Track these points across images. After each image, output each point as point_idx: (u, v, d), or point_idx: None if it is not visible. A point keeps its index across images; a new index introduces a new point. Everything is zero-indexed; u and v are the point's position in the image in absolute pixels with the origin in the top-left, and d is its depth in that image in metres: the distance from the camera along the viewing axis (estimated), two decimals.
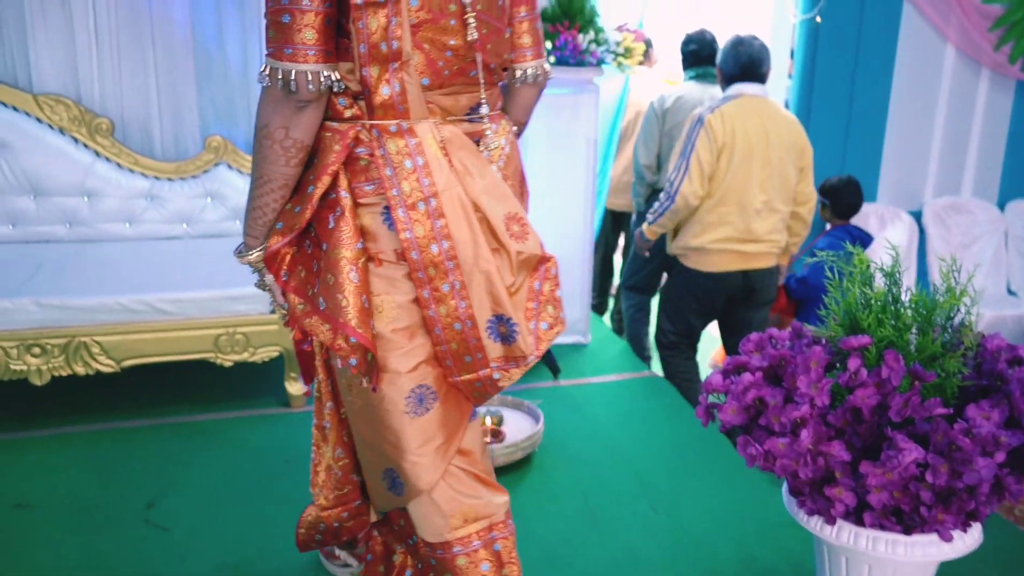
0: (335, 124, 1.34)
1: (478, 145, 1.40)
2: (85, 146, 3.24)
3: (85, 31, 3.30)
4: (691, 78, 3.40)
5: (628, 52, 3.16)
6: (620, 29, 3.18)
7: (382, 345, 1.37)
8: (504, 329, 1.38)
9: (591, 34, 3.08)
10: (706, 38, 3.37)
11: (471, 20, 1.32)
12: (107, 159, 3.27)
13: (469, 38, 1.33)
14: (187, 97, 3.50)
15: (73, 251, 3.10)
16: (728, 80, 2.83)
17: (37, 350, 2.62)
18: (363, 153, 1.33)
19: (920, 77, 4.21)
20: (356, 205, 1.35)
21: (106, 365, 2.68)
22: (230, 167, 3.39)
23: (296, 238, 1.38)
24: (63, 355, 2.64)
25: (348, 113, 1.34)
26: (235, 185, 3.38)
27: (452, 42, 1.32)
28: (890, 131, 4.27)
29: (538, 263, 1.43)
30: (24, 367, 2.61)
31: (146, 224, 3.30)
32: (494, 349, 1.39)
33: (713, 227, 2.79)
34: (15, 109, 3.18)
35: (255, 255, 1.40)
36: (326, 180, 1.33)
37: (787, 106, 4.25)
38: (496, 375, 1.41)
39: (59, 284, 2.71)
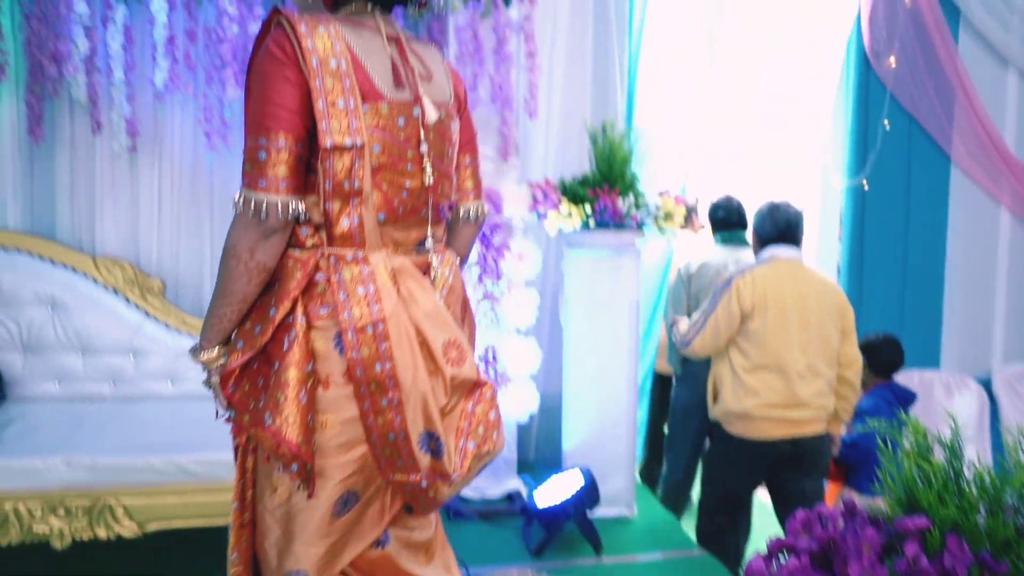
0: (297, 252, 1.47)
1: (424, 275, 1.54)
2: (136, 306, 3.32)
3: (149, 198, 3.47)
4: (719, 243, 3.44)
5: (669, 216, 3.16)
6: (662, 194, 3.21)
7: (322, 455, 1.46)
8: (434, 445, 1.50)
9: (631, 198, 3.10)
10: (733, 204, 3.43)
11: (427, 166, 1.52)
12: (156, 319, 3.33)
13: (426, 182, 1.52)
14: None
15: (114, 410, 3.10)
16: (763, 243, 2.82)
17: (62, 511, 2.56)
18: (321, 279, 1.45)
19: (975, 238, 4.12)
20: (310, 328, 1.45)
21: (129, 528, 2.60)
22: None
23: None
24: (87, 517, 2.57)
25: (309, 242, 1.47)
26: None
27: (408, 183, 1.51)
28: (949, 294, 4.13)
29: (473, 387, 1.57)
30: (47, 529, 2.55)
31: (188, 383, 3.31)
32: (423, 460, 1.49)
33: (755, 392, 2.69)
34: (74, 270, 3.30)
35: (206, 355, 1.51)
36: (287, 305, 1.44)
37: (838, 271, 4.17)
38: (424, 483, 1.50)
39: (93, 443, 2.69)
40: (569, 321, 3.31)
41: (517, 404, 3.33)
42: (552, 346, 3.63)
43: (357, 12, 1.51)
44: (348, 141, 1.40)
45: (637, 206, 3.11)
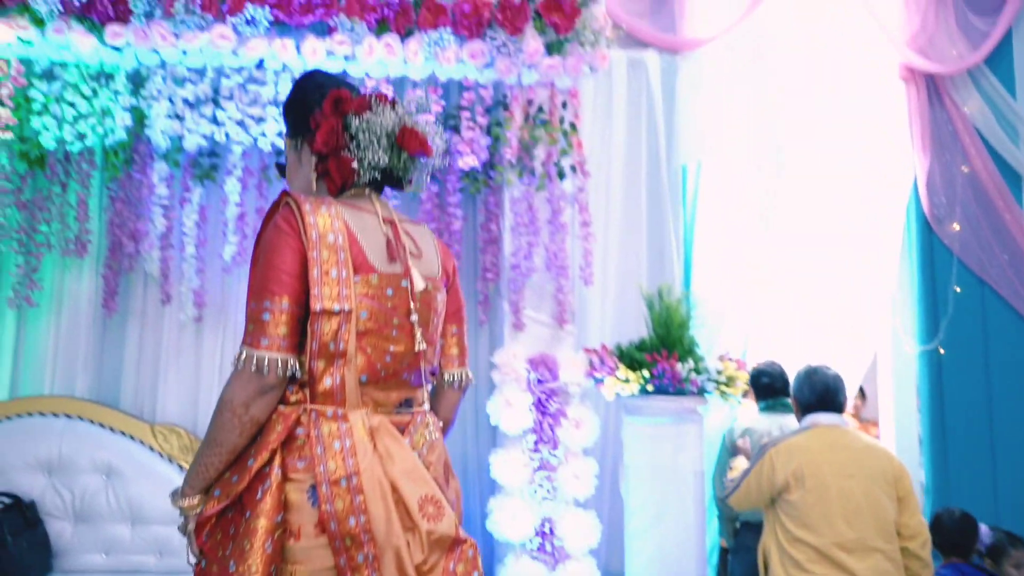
0: (281, 407, 1.53)
1: (403, 434, 1.59)
2: None
3: (211, 366, 3.54)
4: (763, 409, 3.34)
5: (731, 381, 3.05)
6: (722, 358, 3.12)
7: None
8: None
9: (690, 363, 3.02)
10: (776, 370, 3.34)
11: (418, 333, 1.61)
12: None
13: (416, 348, 1.61)
14: None
15: None
16: (804, 410, 2.72)
17: None
18: (300, 433, 1.51)
19: None
20: (285, 480, 1.49)
21: None
22: None
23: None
24: None
25: (294, 398, 1.54)
26: None
27: (392, 348, 1.58)
28: None
29: (453, 544, 1.55)
30: None
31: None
32: None
33: (801, 566, 2.51)
34: (131, 438, 3.32)
35: (187, 502, 1.53)
36: (265, 456, 1.49)
37: (920, 442, 3.92)
38: None
39: None
40: (630, 492, 3.14)
41: None
42: (612, 519, 3.43)
43: (356, 196, 1.65)
44: (336, 307, 1.51)
45: (697, 371, 3.01)
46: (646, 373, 3.00)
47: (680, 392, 3.03)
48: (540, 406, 3.19)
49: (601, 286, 3.70)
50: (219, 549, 1.49)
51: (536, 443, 3.16)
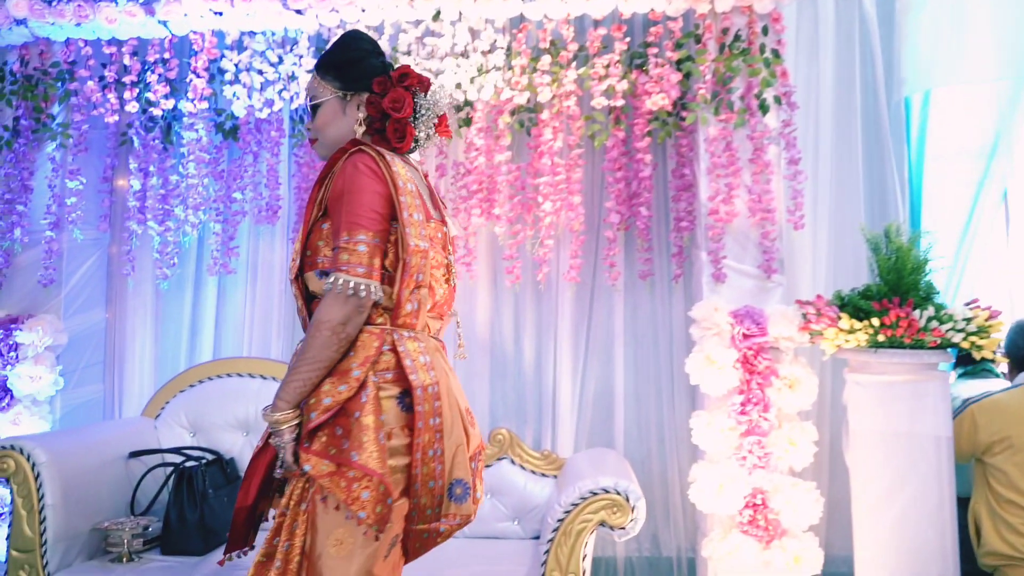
0: (368, 327, 1.74)
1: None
2: None
3: None
4: (961, 376, 2.95)
5: (983, 331, 2.57)
6: (971, 304, 2.64)
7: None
8: (459, 491, 1.77)
9: (930, 310, 2.58)
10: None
11: (454, 271, 1.94)
12: None
13: (453, 283, 1.93)
14: (480, 392, 3.46)
15: None
16: (1019, 366, 2.28)
17: None
18: (387, 350, 1.74)
19: None
20: (378, 389, 1.71)
21: None
22: (513, 462, 3.17)
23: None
24: None
25: (378, 320, 1.76)
26: (516, 483, 3.13)
27: (442, 285, 1.88)
28: None
29: (480, 446, 1.90)
30: None
31: None
32: (449, 507, 1.76)
33: (1017, 531, 2.38)
34: None
35: (282, 416, 1.70)
36: (367, 368, 1.70)
37: None
38: (443, 528, 1.76)
39: None
40: (857, 462, 2.74)
41: (795, 563, 2.75)
42: (832, 492, 3.03)
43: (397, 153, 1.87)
44: (423, 244, 1.76)
45: (939, 320, 2.57)
46: (876, 322, 2.59)
47: (918, 345, 2.59)
48: (747, 364, 2.86)
49: (811, 231, 3.29)
50: (329, 448, 1.66)
51: (743, 405, 2.83)
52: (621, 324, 3.42)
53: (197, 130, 3.42)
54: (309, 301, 1.82)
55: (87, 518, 2.73)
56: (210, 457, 3.06)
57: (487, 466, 3.19)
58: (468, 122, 3.27)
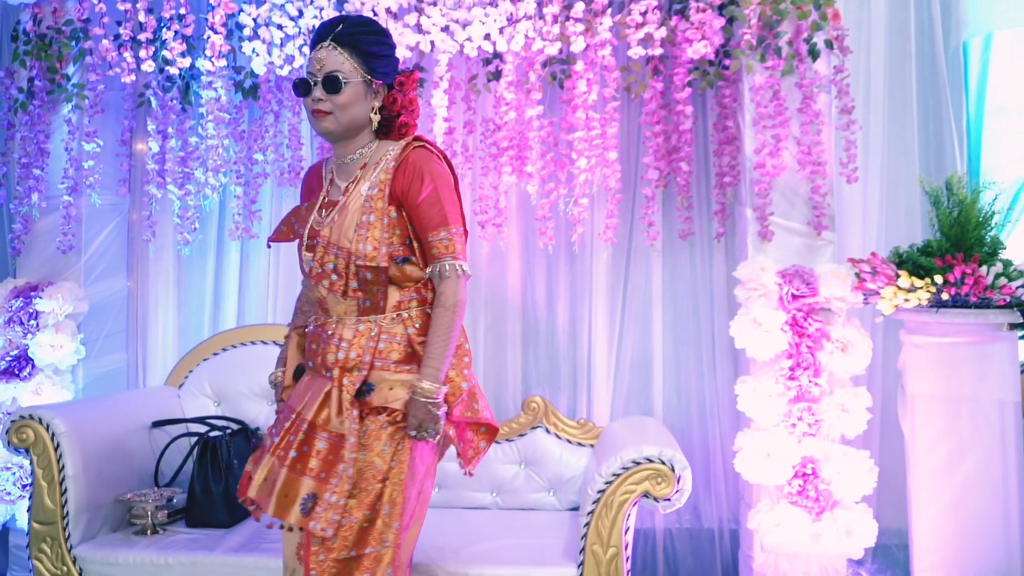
0: None
1: None
2: None
3: None
4: None
5: None
6: None
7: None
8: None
9: (998, 266, 2.39)
10: None
11: None
12: None
13: None
14: (512, 359, 3.34)
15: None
16: None
17: None
18: None
19: None
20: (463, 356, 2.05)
21: None
22: (548, 431, 3.05)
23: None
24: None
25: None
26: (552, 452, 3.01)
27: None
28: None
29: None
30: None
31: (452, 490, 3.00)
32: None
33: None
34: None
35: (441, 387, 1.91)
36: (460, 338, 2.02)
37: None
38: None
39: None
40: (914, 429, 2.58)
41: (848, 536, 2.60)
42: (885, 462, 2.86)
43: None
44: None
45: (1008, 276, 2.38)
46: (939, 280, 2.41)
47: (984, 304, 2.42)
48: (796, 326, 2.69)
49: (862, 186, 3.09)
50: (468, 411, 2.00)
51: (792, 369, 2.68)
52: (660, 286, 3.26)
53: (216, 89, 3.27)
54: (373, 284, 1.93)
55: (110, 489, 2.65)
56: (235, 427, 2.97)
57: (521, 435, 3.07)
58: (497, 75, 3.10)
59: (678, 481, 2.27)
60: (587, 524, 2.29)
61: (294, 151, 3.32)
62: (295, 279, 3.51)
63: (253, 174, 3.36)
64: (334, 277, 1.91)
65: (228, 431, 2.87)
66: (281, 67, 3.22)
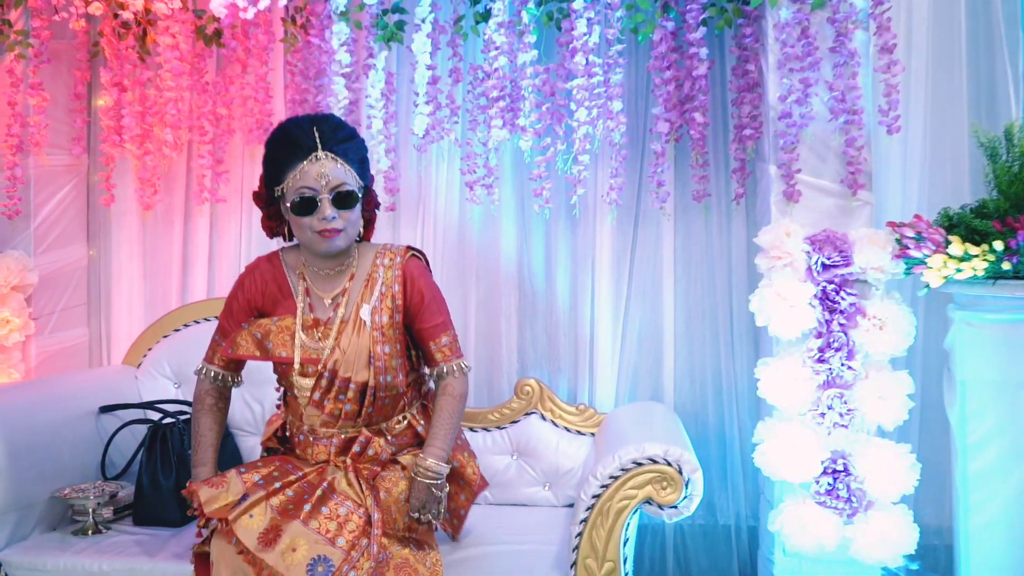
0: None
1: None
2: None
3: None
4: None
5: None
6: None
7: None
8: None
9: None
10: None
11: None
12: None
13: None
14: (508, 336, 3.01)
15: None
16: None
17: None
18: None
19: None
20: None
21: None
22: (543, 418, 2.72)
23: None
24: None
25: None
26: (547, 442, 2.68)
27: None
28: None
29: None
30: None
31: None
32: None
33: None
34: None
35: (445, 467, 1.97)
36: None
37: None
38: None
39: None
40: (965, 419, 2.23)
41: (883, 540, 2.27)
42: (928, 456, 2.51)
43: None
44: None
45: None
46: (998, 246, 2.04)
47: None
48: (826, 300, 2.34)
49: (901, 138, 2.70)
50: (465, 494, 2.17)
51: (822, 350, 2.32)
52: (671, 254, 2.92)
53: (174, 35, 2.93)
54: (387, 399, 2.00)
55: (46, 484, 2.35)
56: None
57: (514, 421, 2.75)
58: (486, 15, 2.71)
59: (687, 486, 1.94)
60: (580, 534, 1.97)
61: (262, 104, 2.98)
62: (267, 247, 3.17)
63: (219, 130, 3.03)
64: (346, 407, 1.92)
65: (181, 417, 2.56)
66: (245, 9, 2.86)
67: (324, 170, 1.81)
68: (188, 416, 2.61)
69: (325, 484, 1.83)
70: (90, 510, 2.33)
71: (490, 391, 2.98)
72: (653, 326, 2.94)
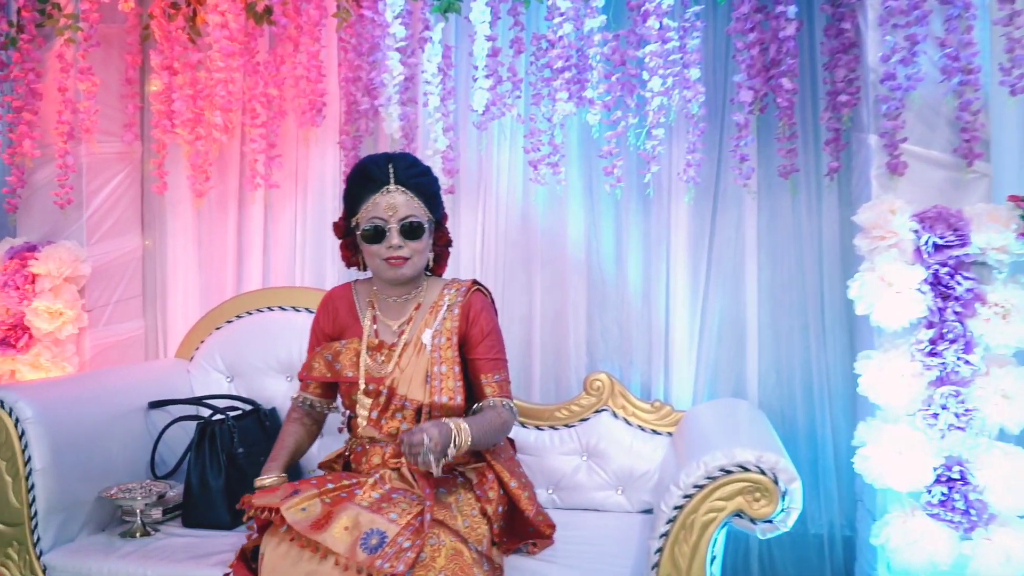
0: None
1: None
2: None
3: (470, 251, 2.87)
4: None
5: None
6: None
7: None
8: None
9: None
10: None
11: None
12: None
13: None
14: (576, 327, 2.80)
15: None
16: None
17: None
18: None
19: None
20: None
21: None
22: (615, 416, 2.51)
23: None
24: None
25: None
26: (620, 442, 2.47)
27: None
28: None
29: None
30: None
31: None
32: None
33: None
34: None
35: (468, 442, 1.82)
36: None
37: None
38: None
39: None
40: None
41: (1008, 559, 1.99)
42: None
43: None
44: None
45: None
46: None
47: None
48: (939, 286, 2.06)
49: (1020, 99, 2.39)
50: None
51: (934, 342, 2.05)
52: (754, 237, 2.67)
53: (224, 14, 2.81)
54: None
55: (93, 483, 2.25)
56: (246, 407, 2.54)
57: (583, 419, 2.55)
58: None
59: (783, 497, 1.70)
60: (660, 550, 1.75)
61: (314, 84, 2.83)
62: (323, 236, 3.07)
63: (271, 113, 2.89)
64: (403, 426, 1.92)
65: (231, 415, 2.43)
66: None
67: (394, 202, 1.91)
68: (238, 413, 2.50)
69: (376, 475, 1.85)
70: (137, 511, 2.22)
71: (557, 387, 2.78)
72: (735, 315, 2.69)
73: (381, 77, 2.71)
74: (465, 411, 1.98)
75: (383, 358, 1.96)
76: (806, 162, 2.61)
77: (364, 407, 1.95)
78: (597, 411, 2.52)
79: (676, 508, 1.74)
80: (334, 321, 2.08)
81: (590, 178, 2.79)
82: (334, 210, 3.04)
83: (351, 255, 2.08)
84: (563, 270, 2.82)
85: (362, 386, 1.95)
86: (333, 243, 3.06)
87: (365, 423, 1.95)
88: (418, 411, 1.92)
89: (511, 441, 2.18)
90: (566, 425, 2.54)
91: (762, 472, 1.71)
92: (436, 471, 1.70)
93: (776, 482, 1.70)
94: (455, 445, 1.74)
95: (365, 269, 2.08)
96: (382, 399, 1.93)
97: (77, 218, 2.94)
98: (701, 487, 1.73)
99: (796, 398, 2.65)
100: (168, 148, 3.01)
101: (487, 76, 2.61)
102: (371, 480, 1.83)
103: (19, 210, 2.98)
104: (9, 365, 2.82)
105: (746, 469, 1.72)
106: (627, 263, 2.79)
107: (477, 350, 1.98)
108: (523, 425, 2.54)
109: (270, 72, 2.87)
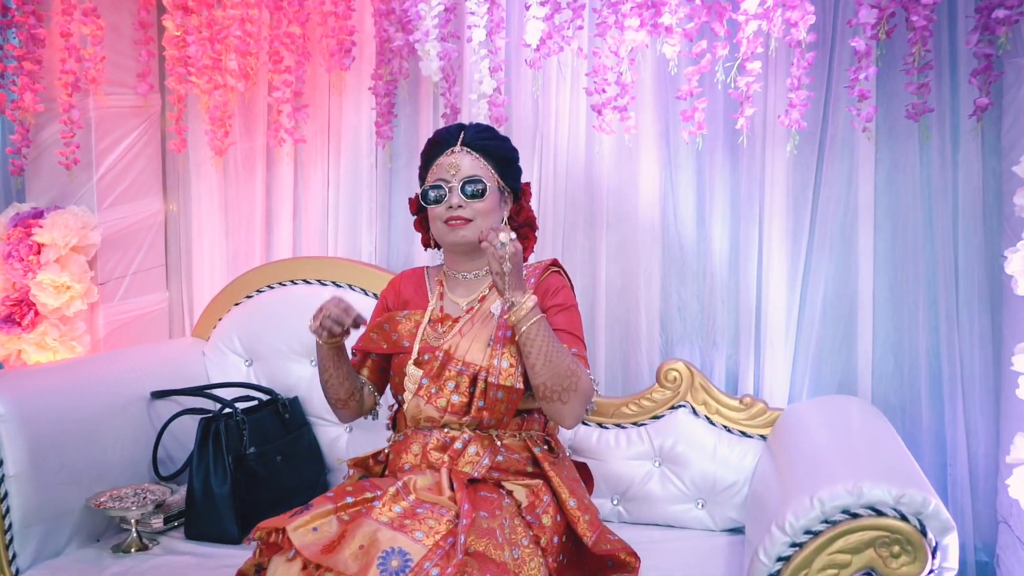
0: None
1: None
2: None
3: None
4: None
5: None
6: None
7: None
8: None
9: None
10: None
11: None
12: None
13: None
14: (648, 305, 2.38)
15: None
16: None
17: None
18: None
19: None
20: None
21: None
22: (695, 413, 2.09)
23: None
24: None
25: None
26: (701, 445, 2.06)
27: None
28: None
29: None
30: None
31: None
32: None
33: None
34: None
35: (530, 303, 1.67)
36: None
37: None
38: None
39: None
40: None
41: None
42: None
43: None
44: None
45: None
46: None
47: None
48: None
49: None
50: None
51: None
52: (870, 193, 2.18)
53: None
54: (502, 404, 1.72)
55: (82, 488, 1.95)
56: (263, 398, 2.21)
57: (656, 416, 2.14)
58: None
59: (934, 554, 1.25)
60: None
61: (343, 20, 2.44)
62: (359, 196, 2.71)
63: (296, 56, 2.52)
64: (454, 398, 1.73)
65: (252, 404, 2.10)
66: None
67: (457, 161, 1.81)
68: (251, 406, 2.17)
69: (400, 483, 1.60)
70: (132, 521, 1.91)
71: (625, 376, 2.37)
72: (844, 292, 2.22)
73: (417, 8, 2.30)
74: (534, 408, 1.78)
75: (444, 329, 1.81)
76: (941, 99, 2.09)
77: (413, 380, 1.77)
78: (673, 407, 2.11)
79: (780, 560, 1.31)
80: (398, 294, 1.95)
81: (666, 125, 2.34)
82: (370, 168, 2.68)
83: (425, 232, 1.94)
84: (633, 235, 2.39)
85: (415, 356, 1.78)
86: (369, 207, 2.72)
87: (412, 395, 1.75)
88: (473, 379, 1.72)
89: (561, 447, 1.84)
90: (635, 423, 2.14)
91: (903, 518, 1.26)
92: (506, 265, 1.58)
93: (924, 532, 1.25)
94: (523, 304, 1.61)
95: (438, 248, 1.93)
96: (436, 364, 1.74)
97: (86, 180, 2.64)
98: (816, 534, 1.29)
99: (919, 394, 2.16)
100: (187, 100, 2.68)
101: (542, 3, 2.16)
102: (392, 490, 1.56)
103: (26, 172, 2.69)
104: (15, 345, 2.57)
105: (880, 512, 1.27)
106: (711, 226, 2.34)
107: (555, 320, 1.76)
108: (584, 422, 2.14)
109: (293, 8, 2.49)
